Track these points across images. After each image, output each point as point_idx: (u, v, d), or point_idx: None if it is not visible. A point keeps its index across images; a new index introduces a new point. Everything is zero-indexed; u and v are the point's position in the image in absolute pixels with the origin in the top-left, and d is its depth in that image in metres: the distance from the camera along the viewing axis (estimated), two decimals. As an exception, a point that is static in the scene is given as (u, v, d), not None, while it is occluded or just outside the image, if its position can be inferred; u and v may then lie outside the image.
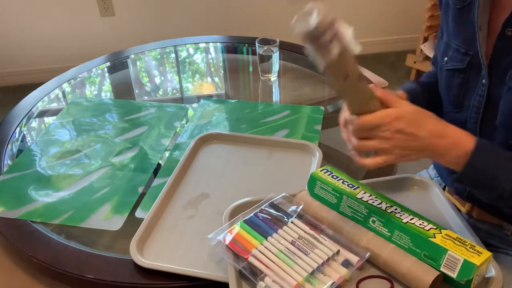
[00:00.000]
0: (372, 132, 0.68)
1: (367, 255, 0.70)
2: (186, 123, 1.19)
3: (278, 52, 1.34)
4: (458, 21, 0.81)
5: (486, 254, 0.65)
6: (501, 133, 0.77)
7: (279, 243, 0.73)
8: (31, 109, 1.26)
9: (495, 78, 0.76)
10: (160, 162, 1.05)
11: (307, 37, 0.57)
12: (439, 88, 0.90)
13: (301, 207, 0.79)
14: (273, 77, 1.38)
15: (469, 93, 0.81)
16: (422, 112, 0.69)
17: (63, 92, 1.36)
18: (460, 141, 0.68)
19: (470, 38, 0.78)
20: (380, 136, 0.68)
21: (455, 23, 0.82)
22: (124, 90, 1.40)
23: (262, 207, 0.79)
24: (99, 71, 1.48)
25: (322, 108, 1.22)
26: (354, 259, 0.70)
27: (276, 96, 1.34)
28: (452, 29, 0.83)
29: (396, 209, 0.74)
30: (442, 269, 0.66)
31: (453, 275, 0.65)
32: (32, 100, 1.31)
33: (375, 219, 0.73)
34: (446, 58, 0.84)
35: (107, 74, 1.48)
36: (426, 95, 0.93)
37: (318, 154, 0.99)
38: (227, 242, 0.73)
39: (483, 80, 0.78)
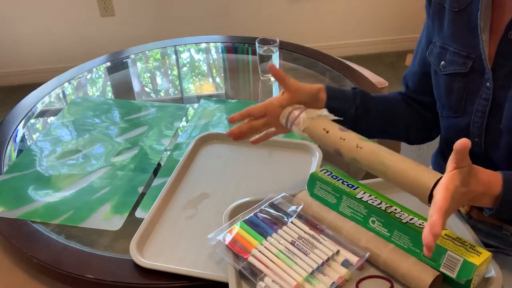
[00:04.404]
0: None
1: (367, 255, 0.71)
2: (186, 123, 1.19)
3: (278, 52, 1.34)
4: (456, 25, 0.80)
5: (486, 254, 0.66)
6: (506, 137, 0.76)
7: (279, 243, 0.73)
8: (31, 109, 1.26)
9: (499, 81, 0.75)
10: (160, 162, 1.05)
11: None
12: (435, 93, 0.88)
13: (301, 207, 0.79)
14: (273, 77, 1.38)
15: (471, 98, 0.80)
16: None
17: (63, 92, 1.36)
18: (490, 185, 0.67)
19: (471, 42, 0.78)
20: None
21: (451, 27, 0.81)
22: (124, 90, 1.40)
23: (262, 207, 0.79)
24: (99, 71, 1.48)
25: (322, 108, 1.21)
26: (354, 259, 0.70)
27: (276, 96, 1.34)
28: (448, 32, 0.82)
29: (395, 209, 0.74)
30: (441, 269, 0.66)
31: (453, 275, 0.65)
32: (32, 100, 1.31)
33: (375, 219, 0.73)
34: (443, 63, 0.83)
35: (107, 74, 1.48)
36: (358, 101, 0.87)
37: (318, 154, 0.99)
38: (227, 242, 0.73)
39: (488, 84, 0.76)
